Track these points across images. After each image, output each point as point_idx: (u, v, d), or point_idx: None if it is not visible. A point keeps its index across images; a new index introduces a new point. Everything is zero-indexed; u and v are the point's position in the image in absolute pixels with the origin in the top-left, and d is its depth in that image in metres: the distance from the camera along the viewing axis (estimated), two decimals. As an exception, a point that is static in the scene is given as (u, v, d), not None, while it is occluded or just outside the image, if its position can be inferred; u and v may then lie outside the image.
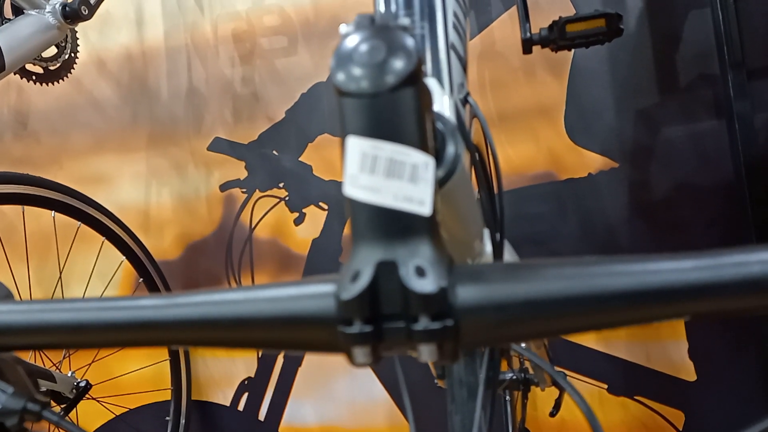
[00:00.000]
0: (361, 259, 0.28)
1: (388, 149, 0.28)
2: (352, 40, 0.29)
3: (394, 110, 0.28)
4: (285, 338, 0.30)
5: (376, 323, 0.27)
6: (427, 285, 0.27)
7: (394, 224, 0.28)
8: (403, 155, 0.28)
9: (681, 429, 1.18)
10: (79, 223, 1.21)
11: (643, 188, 1.21)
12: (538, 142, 1.25)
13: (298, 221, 1.37)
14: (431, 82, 0.43)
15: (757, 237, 1.14)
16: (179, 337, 0.31)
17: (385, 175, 0.28)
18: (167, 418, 1.33)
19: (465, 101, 0.49)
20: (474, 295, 0.27)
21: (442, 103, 0.41)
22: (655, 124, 1.22)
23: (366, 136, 0.28)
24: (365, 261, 0.28)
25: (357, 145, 0.28)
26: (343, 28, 0.30)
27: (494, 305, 0.27)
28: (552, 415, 0.85)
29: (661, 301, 0.26)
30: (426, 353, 0.27)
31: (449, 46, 0.49)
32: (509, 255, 0.66)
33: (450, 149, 0.38)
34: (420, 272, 0.27)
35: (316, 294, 0.29)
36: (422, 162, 0.28)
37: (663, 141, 1.21)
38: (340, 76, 0.29)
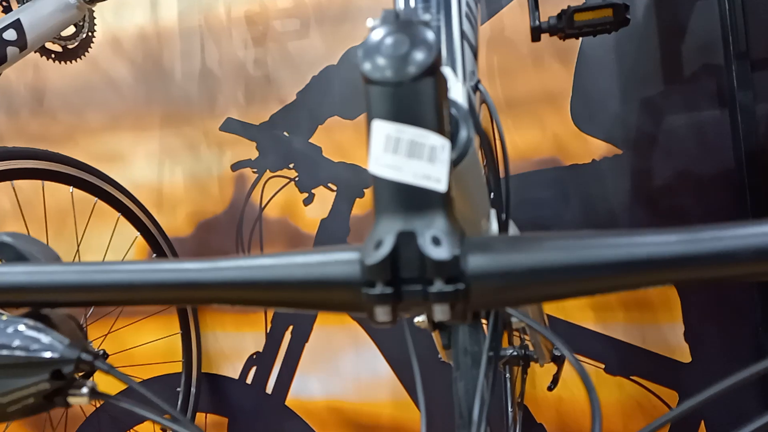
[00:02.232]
0: (383, 229, 0.31)
1: (410, 132, 0.31)
2: (378, 33, 0.32)
3: (415, 98, 0.31)
4: (314, 299, 0.33)
5: (395, 286, 0.31)
6: (442, 253, 0.30)
7: (413, 199, 0.31)
8: (422, 138, 0.31)
9: (675, 408, 1.21)
10: (96, 198, 1.24)
11: (645, 175, 1.24)
12: (544, 128, 1.27)
13: (307, 201, 1.40)
14: (446, 71, 0.46)
15: (755, 225, 1.16)
16: (220, 297, 0.34)
17: (406, 155, 0.31)
18: (178, 389, 1.38)
19: (476, 88, 0.52)
20: (483, 262, 0.31)
21: (456, 91, 0.44)
22: (658, 113, 1.24)
23: (390, 120, 0.31)
24: (387, 231, 0.31)
25: (381, 128, 0.32)
26: (370, 22, 0.33)
27: (500, 272, 0.31)
28: (550, 389, 0.89)
29: (647, 269, 0.29)
30: (439, 313, 0.31)
31: (462, 36, 0.52)
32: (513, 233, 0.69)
33: (463, 133, 0.41)
34: (436, 241, 0.31)
35: (343, 260, 0.32)
36: (439, 144, 0.32)
37: (666, 129, 1.23)
38: (367, 66, 0.32)
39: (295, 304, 0.34)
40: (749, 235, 0.28)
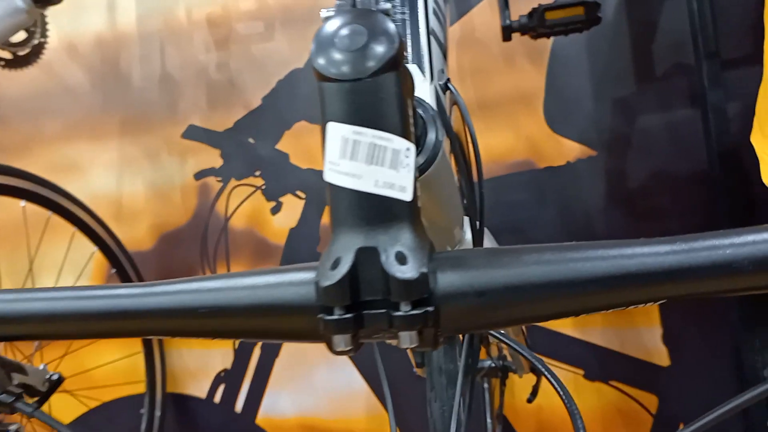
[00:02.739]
0: (341, 245, 0.28)
1: (370, 135, 0.27)
2: (333, 24, 0.29)
3: (375, 96, 0.27)
4: (264, 327, 0.29)
5: (356, 310, 0.27)
6: (407, 271, 0.27)
7: (374, 210, 0.27)
8: (384, 141, 0.27)
9: (654, 413, 1.20)
10: (50, 212, 1.18)
11: (620, 177, 1.23)
12: (517, 130, 1.25)
13: (274, 210, 1.36)
14: (412, 68, 0.43)
15: (729, 224, 1.15)
16: (157, 327, 0.30)
17: (366, 161, 0.27)
18: (142, 411, 1.31)
19: (446, 87, 0.49)
20: (454, 281, 0.27)
21: (423, 90, 0.41)
22: (632, 113, 1.23)
23: (346, 122, 0.28)
24: (345, 247, 0.27)
25: (337, 131, 0.28)
26: (324, 12, 0.29)
27: (474, 291, 0.27)
28: (529, 401, 0.86)
29: (639, 284, 0.26)
30: (406, 340, 0.27)
31: (429, 32, 0.48)
32: (489, 243, 0.66)
33: (431, 136, 0.38)
34: (401, 258, 0.27)
35: (295, 281, 0.28)
36: (403, 148, 0.28)
37: (640, 130, 1.23)
38: (321, 61, 0.28)
39: (241, 333, 0.30)
40: (750, 242, 0.25)
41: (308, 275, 0.28)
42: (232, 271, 1.38)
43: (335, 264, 0.27)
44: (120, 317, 0.30)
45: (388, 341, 0.55)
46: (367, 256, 0.27)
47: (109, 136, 1.43)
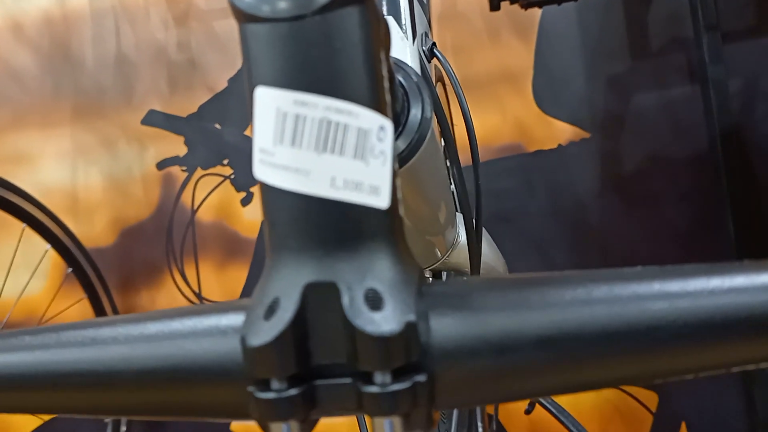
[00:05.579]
0: (281, 280, 0.18)
1: (321, 106, 0.18)
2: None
3: (327, 43, 0.17)
4: (170, 402, 0.19)
5: (305, 381, 0.18)
6: (384, 322, 0.17)
7: (332, 225, 0.18)
8: (344, 116, 0.18)
9: (654, 411, 1.14)
10: (-6, 208, 1.07)
11: (615, 160, 1.18)
12: (504, 112, 1.19)
13: (245, 201, 1.28)
14: (390, 21, 0.33)
15: (732, 208, 1.10)
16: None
17: (316, 147, 0.17)
18: (106, 420, 1.22)
19: (431, 54, 0.39)
20: (459, 332, 0.17)
21: (402, 51, 0.31)
22: (627, 91, 1.17)
23: (284, 87, 0.18)
24: (287, 283, 0.18)
25: (271, 101, 0.18)
26: None
27: (490, 347, 0.17)
28: (527, 412, 0.78)
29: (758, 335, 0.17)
30: (385, 429, 0.17)
31: (410, -16, 0.38)
32: (487, 246, 0.57)
33: (415, 112, 0.28)
34: (373, 300, 0.17)
35: (214, 330, 0.19)
36: (375, 126, 0.18)
37: (635, 109, 1.17)
38: None
39: (139, 410, 0.20)
40: None
41: (234, 321, 0.18)
42: (200, 271, 1.29)
43: (271, 310, 0.17)
44: None
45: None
46: (321, 297, 0.17)
47: (62, 124, 1.33)
